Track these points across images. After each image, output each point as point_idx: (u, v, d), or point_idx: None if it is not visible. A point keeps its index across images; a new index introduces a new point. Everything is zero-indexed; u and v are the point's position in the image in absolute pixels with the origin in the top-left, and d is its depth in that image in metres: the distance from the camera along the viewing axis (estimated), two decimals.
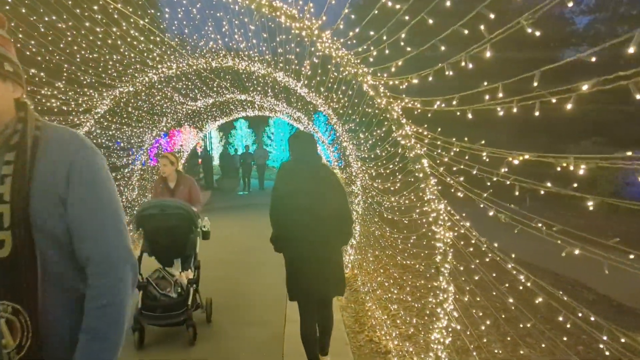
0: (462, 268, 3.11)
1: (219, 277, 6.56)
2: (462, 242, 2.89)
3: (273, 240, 3.45)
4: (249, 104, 11.47)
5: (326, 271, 3.30)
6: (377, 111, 3.46)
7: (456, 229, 2.93)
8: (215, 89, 7.84)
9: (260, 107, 12.22)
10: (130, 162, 8.59)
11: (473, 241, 2.81)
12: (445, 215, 3.06)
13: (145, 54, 4.75)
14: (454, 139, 2.49)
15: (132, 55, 4.64)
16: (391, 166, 3.74)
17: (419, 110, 2.65)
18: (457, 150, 2.46)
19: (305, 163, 3.34)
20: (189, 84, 7.09)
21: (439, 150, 2.70)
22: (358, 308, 5.43)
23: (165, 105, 7.77)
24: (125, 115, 6.95)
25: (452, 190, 2.71)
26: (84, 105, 5.34)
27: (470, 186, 2.54)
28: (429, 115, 2.51)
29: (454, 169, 2.56)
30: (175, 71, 6.29)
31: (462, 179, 2.61)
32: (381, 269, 5.52)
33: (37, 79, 3.94)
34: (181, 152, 14.34)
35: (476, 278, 2.88)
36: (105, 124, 6.47)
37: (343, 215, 3.35)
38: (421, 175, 3.11)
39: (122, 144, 7.58)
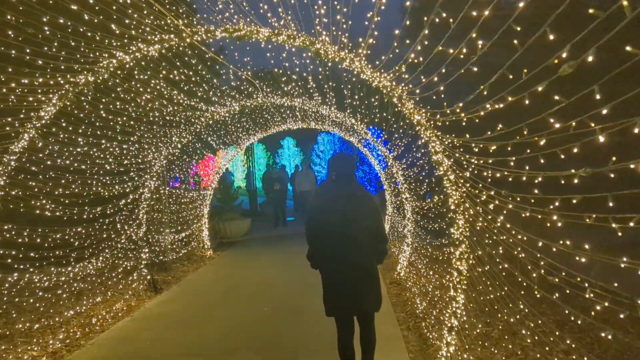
0: None
1: None
2: None
3: (309, 257, 3.62)
4: (288, 112, 9.12)
5: (361, 287, 3.40)
6: None
7: None
8: (234, 84, 5.50)
9: (303, 117, 9.81)
10: (128, 189, 6.42)
11: None
12: None
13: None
14: None
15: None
16: None
17: None
18: None
19: (341, 183, 3.53)
20: (190, 72, 4.75)
21: None
22: None
23: (165, 110, 5.51)
24: (99, 124, 4.73)
25: None
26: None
27: None
28: None
29: None
30: (159, 48, 3.99)
31: None
32: None
33: None
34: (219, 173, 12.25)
35: None
36: (64, 136, 4.26)
37: (377, 234, 3.51)
38: None
39: (108, 167, 5.38)
